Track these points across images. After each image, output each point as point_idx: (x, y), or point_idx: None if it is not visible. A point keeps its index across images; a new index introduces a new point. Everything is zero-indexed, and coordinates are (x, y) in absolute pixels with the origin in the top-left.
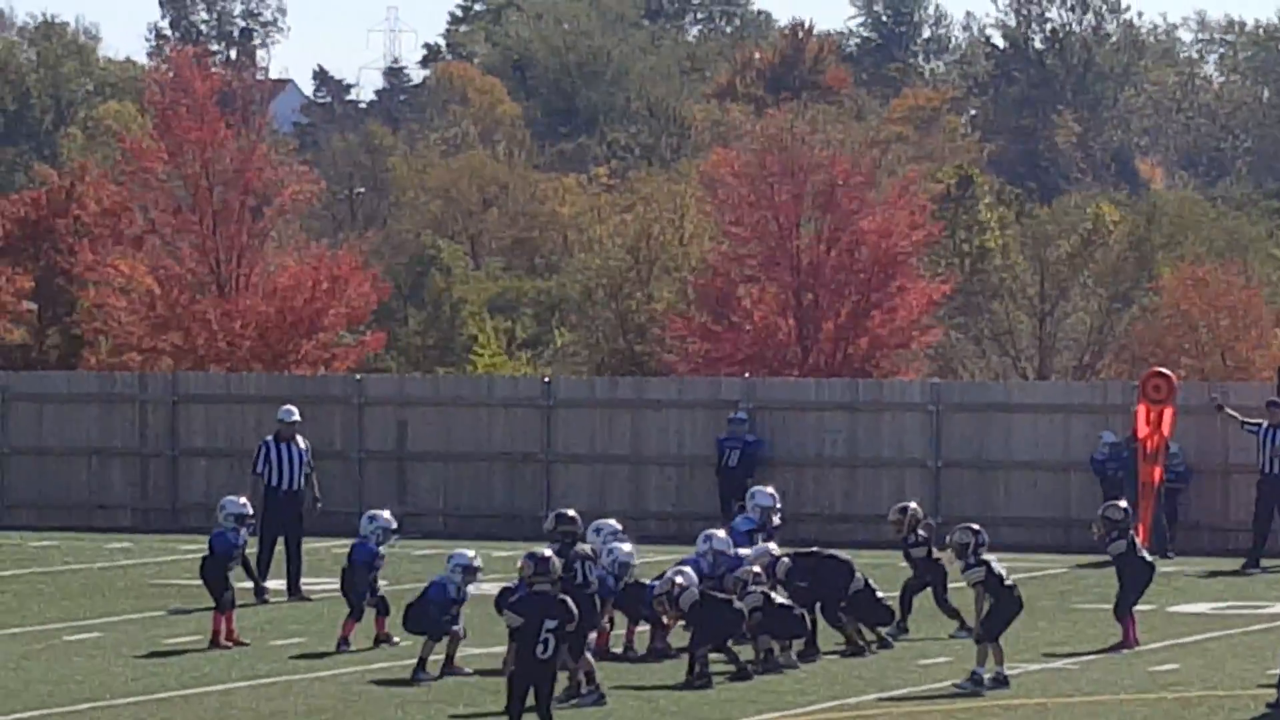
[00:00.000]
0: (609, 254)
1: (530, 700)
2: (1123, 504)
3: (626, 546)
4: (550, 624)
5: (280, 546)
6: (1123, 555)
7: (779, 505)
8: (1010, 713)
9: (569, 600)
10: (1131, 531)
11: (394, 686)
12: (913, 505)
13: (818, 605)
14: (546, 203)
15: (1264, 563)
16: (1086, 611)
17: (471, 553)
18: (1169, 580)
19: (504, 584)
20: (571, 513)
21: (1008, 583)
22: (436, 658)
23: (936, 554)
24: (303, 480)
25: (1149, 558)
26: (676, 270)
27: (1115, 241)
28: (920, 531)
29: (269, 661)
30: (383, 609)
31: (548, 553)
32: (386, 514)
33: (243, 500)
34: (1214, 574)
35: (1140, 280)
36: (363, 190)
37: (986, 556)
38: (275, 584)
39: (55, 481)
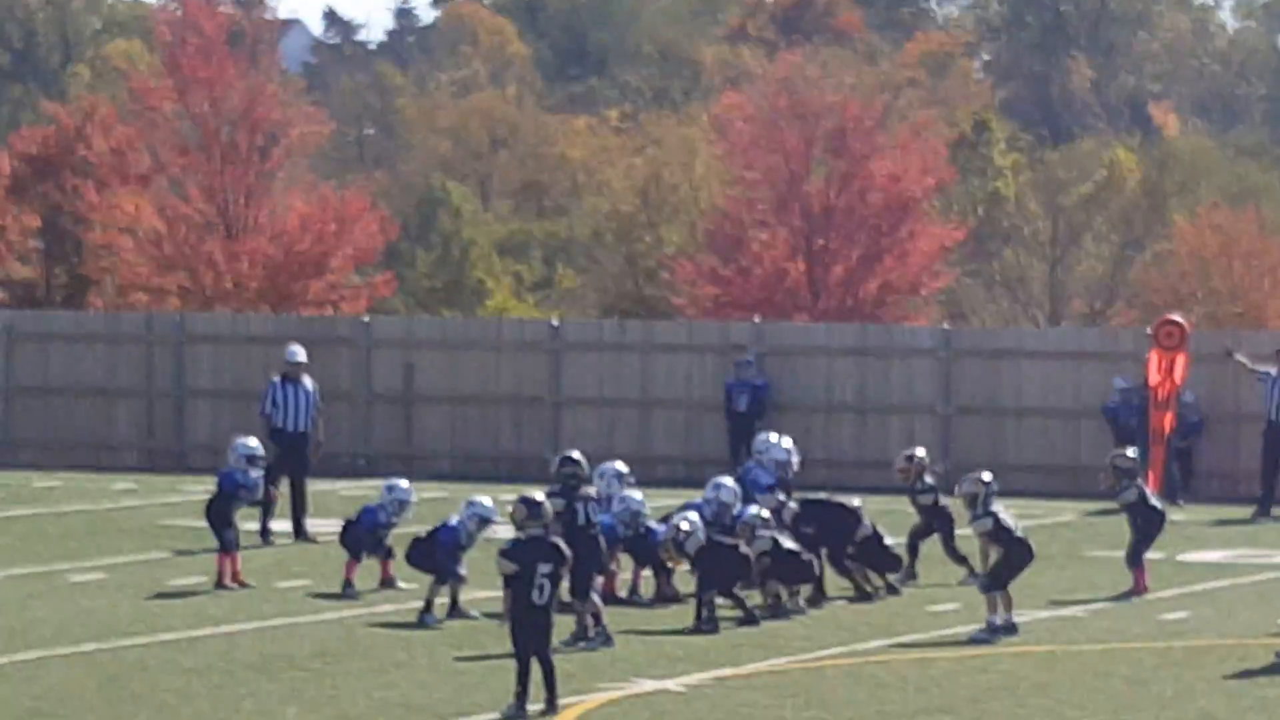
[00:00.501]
0: (619, 197)
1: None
2: (1131, 452)
3: (638, 494)
4: (544, 568)
5: (286, 488)
6: (1133, 504)
7: (795, 455)
8: (1019, 660)
9: (561, 543)
10: (1140, 479)
11: (399, 629)
12: (919, 452)
13: (824, 552)
14: (556, 145)
15: (1275, 511)
16: (1096, 559)
17: (490, 502)
18: (1179, 528)
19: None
20: (577, 455)
21: (1018, 534)
22: (442, 600)
23: (943, 501)
24: (310, 422)
25: (1159, 505)
26: (686, 214)
27: (1129, 188)
28: (927, 478)
29: (274, 603)
30: (388, 554)
31: (539, 496)
32: (405, 484)
33: (254, 442)
34: (1224, 522)
35: (1153, 227)
36: (371, 131)
37: (995, 507)
38: (281, 526)
39: (61, 421)
